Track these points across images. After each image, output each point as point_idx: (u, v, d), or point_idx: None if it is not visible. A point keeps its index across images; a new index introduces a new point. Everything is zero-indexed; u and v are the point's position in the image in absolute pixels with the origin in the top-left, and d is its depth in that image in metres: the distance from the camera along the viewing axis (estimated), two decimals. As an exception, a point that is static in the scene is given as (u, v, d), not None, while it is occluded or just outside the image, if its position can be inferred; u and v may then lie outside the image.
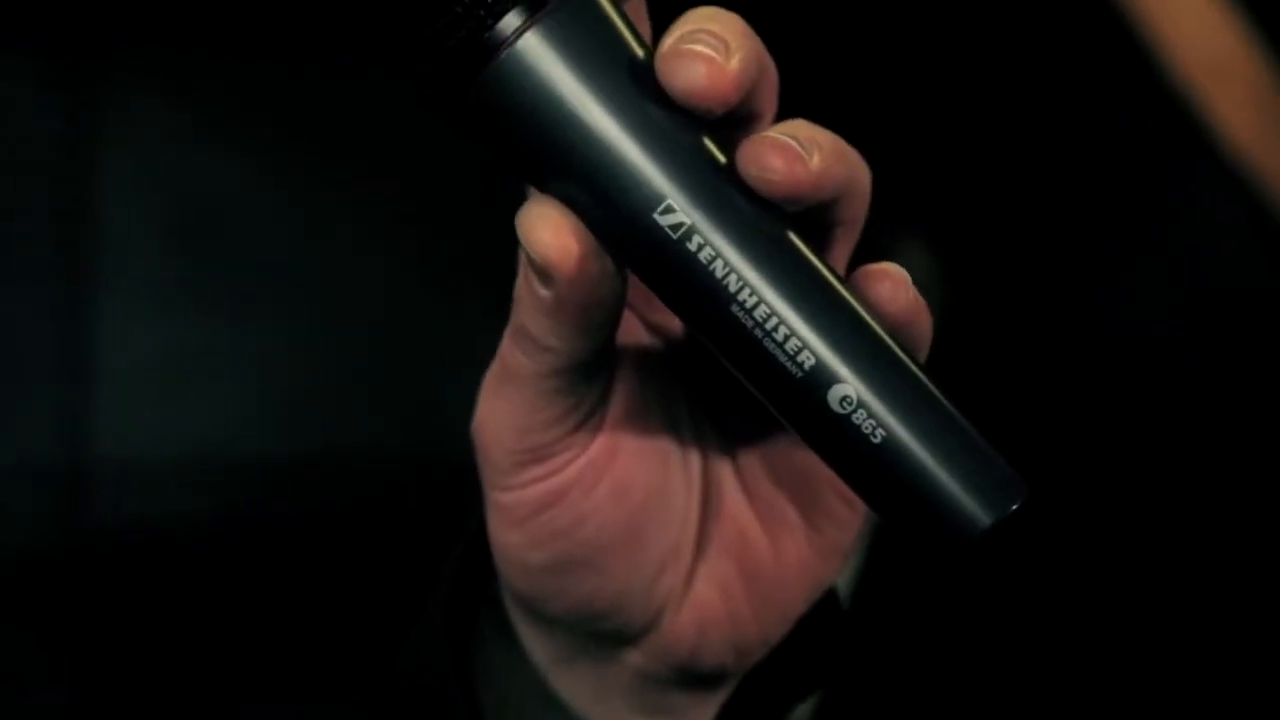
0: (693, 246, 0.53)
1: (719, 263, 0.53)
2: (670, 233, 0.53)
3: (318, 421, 5.80)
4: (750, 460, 0.62)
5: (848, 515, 0.62)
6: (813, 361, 0.53)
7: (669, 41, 0.52)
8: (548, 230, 0.53)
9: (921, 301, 0.55)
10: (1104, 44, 3.66)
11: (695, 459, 0.62)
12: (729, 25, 0.53)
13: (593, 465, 0.59)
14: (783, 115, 0.58)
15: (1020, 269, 1.57)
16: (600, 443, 0.60)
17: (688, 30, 0.53)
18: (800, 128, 0.53)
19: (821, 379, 0.53)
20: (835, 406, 0.53)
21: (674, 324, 0.61)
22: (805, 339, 0.53)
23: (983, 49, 4.63)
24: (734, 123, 0.55)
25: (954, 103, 1.63)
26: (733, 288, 0.53)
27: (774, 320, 0.53)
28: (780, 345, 0.53)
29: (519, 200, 0.55)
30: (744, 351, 0.54)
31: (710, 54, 0.52)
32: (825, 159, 0.53)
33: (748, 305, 0.53)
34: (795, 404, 0.54)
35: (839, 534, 0.62)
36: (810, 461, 0.58)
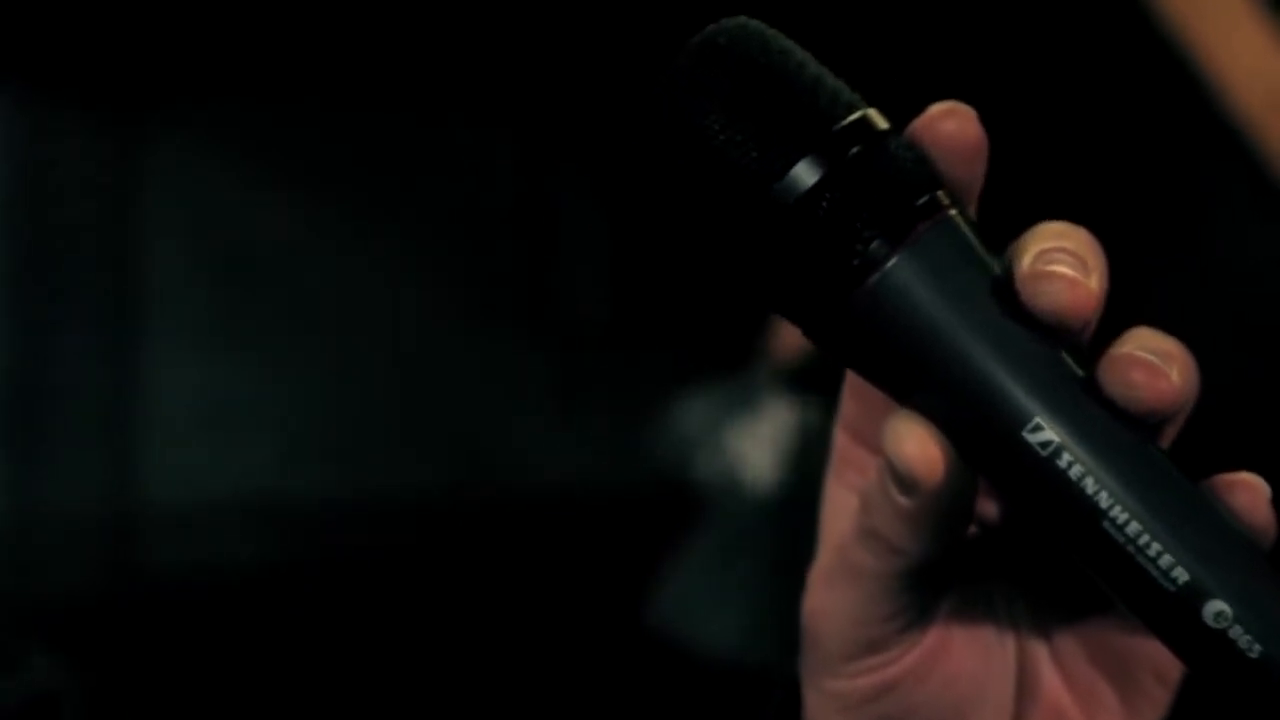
0: (1062, 464, 0.52)
1: (1089, 480, 0.52)
2: (1039, 450, 0.52)
3: (360, 463, 5.76)
4: (1066, 643, 0.61)
5: (1161, 695, 0.61)
6: (1186, 578, 0.52)
7: (1027, 260, 0.53)
8: (914, 443, 0.53)
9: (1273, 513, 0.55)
10: (1162, 75, 3.63)
11: (1011, 644, 0.62)
12: (1082, 241, 0.53)
13: (926, 657, 0.59)
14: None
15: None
16: (934, 635, 0.60)
17: (1045, 249, 0.53)
18: (1151, 339, 0.53)
19: (1195, 594, 0.52)
20: (1210, 621, 0.52)
21: (990, 512, 0.61)
22: (1178, 555, 0.52)
23: (1043, 75, 4.56)
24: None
25: (1013, 126, 1.63)
26: (1104, 504, 0.52)
27: (1146, 537, 0.52)
28: (1153, 561, 0.52)
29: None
30: (1114, 567, 0.53)
31: (1072, 274, 0.52)
32: (1183, 372, 0.53)
33: (1119, 522, 0.52)
34: (1167, 618, 0.53)
35: (1154, 713, 0.61)
36: (1126, 641, 0.59)
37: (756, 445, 3.99)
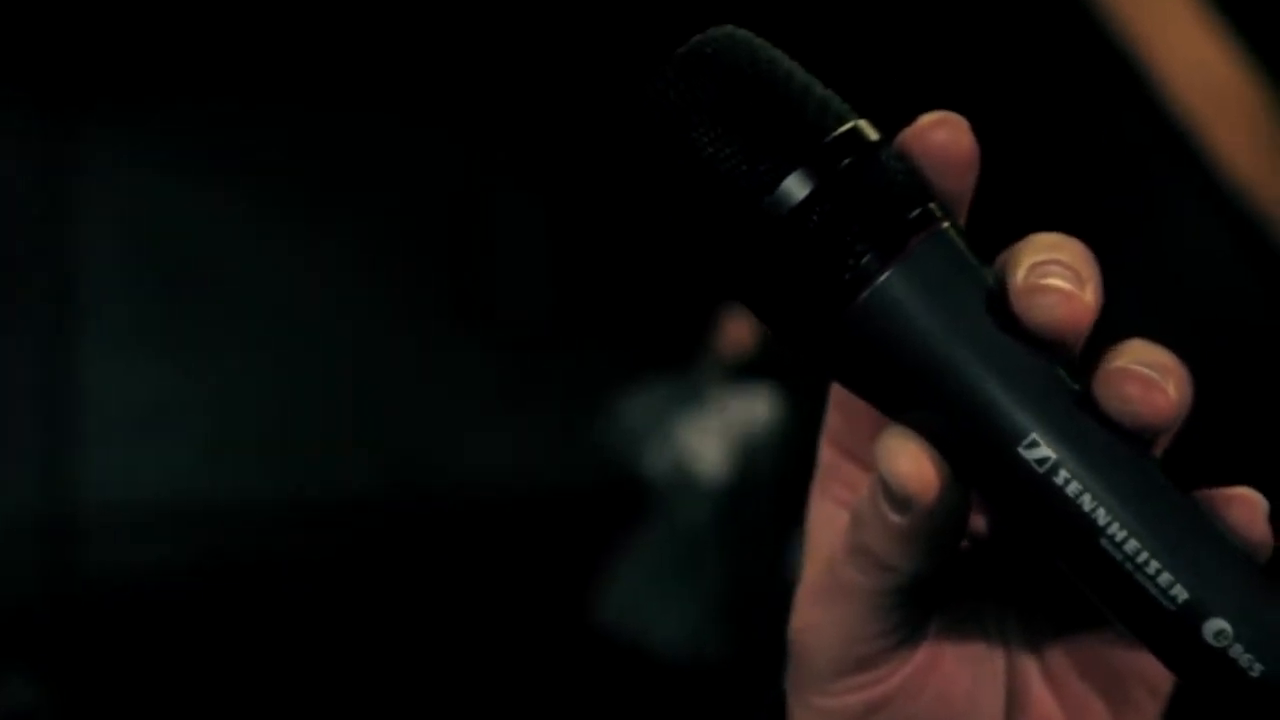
0: (1059, 480, 0.51)
1: (1086, 497, 0.51)
2: (1036, 467, 0.51)
3: (298, 465, 5.72)
4: (1057, 657, 0.60)
5: (1153, 708, 0.60)
6: (1186, 596, 0.51)
7: (1021, 274, 0.52)
8: (908, 460, 0.52)
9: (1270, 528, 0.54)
10: (1104, 70, 3.64)
11: (1001, 659, 0.61)
12: (1075, 253, 0.53)
13: (917, 674, 0.58)
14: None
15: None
16: (925, 651, 0.59)
17: (1038, 261, 0.52)
18: (1145, 351, 0.53)
19: (1195, 613, 0.51)
20: (1210, 640, 0.51)
21: (979, 526, 0.61)
22: (1177, 573, 0.51)
23: (982, 72, 4.58)
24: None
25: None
26: (1101, 521, 0.51)
27: (1144, 555, 0.51)
28: (1152, 579, 0.51)
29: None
30: (1112, 585, 0.52)
31: (1067, 287, 0.51)
32: (1179, 385, 0.52)
33: (1117, 539, 0.51)
34: (1167, 637, 0.52)
35: None
36: (1117, 655, 0.58)
37: (705, 439, 3.99)
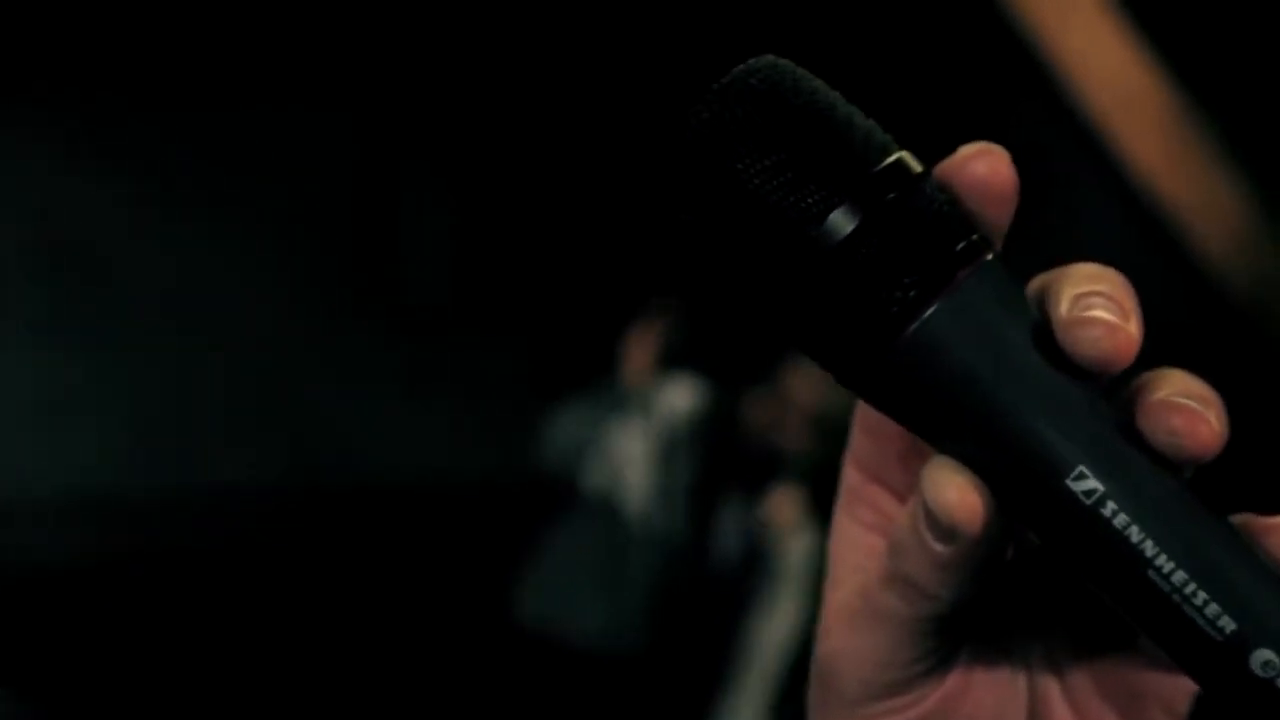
0: (1106, 512, 0.52)
1: (1134, 529, 0.51)
2: (1083, 499, 0.52)
3: (199, 456, 5.62)
4: (1078, 679, 0.60)
5: None
6: (1234, 627, 0.51)
7: (1064, 306, 0.52)
8: (954, 491, 0.53)
9: None
10: (1012, 74, 3.63)
11: (1024, 681, 0.61)
12: (1116, 284, 0.53)
13: (947, 699, 0.59)
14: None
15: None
16: (955, 676, 0.59)
17: (1081, 293, 0.53)
18: (1185, 382, 0.53)
19: (1243, 643, 0.51)
20: (1258, 670, 0.51)
21: (1007, 553, 0.61)
22: (1225, 604, 0.51)
23: (890, 74, 4.58)
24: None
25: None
26: (1149, 553, 0.51)
27: (1192, 586, 0.51)
28: (1199, 610, 0.51)
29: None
30: (1158, 615, 0.52)
31: (1112, 320, 0.52)
32: (1219, 415, 0.52)
33: (1164, 570, 0.51)
34: (1214, 667, 0.52)
35: None
36: (1136, 676, 0.58)
37: (631, 441, 3.98)
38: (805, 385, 3.63)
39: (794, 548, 3.74)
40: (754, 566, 3.73)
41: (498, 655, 4.11)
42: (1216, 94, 3.72)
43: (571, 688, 3.92)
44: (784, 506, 3.72)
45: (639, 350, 3.97)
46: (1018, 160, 0.55)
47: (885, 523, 0.59)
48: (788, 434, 3.69)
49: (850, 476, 0.60)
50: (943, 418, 0.53)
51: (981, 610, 0.58)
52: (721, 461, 3.81)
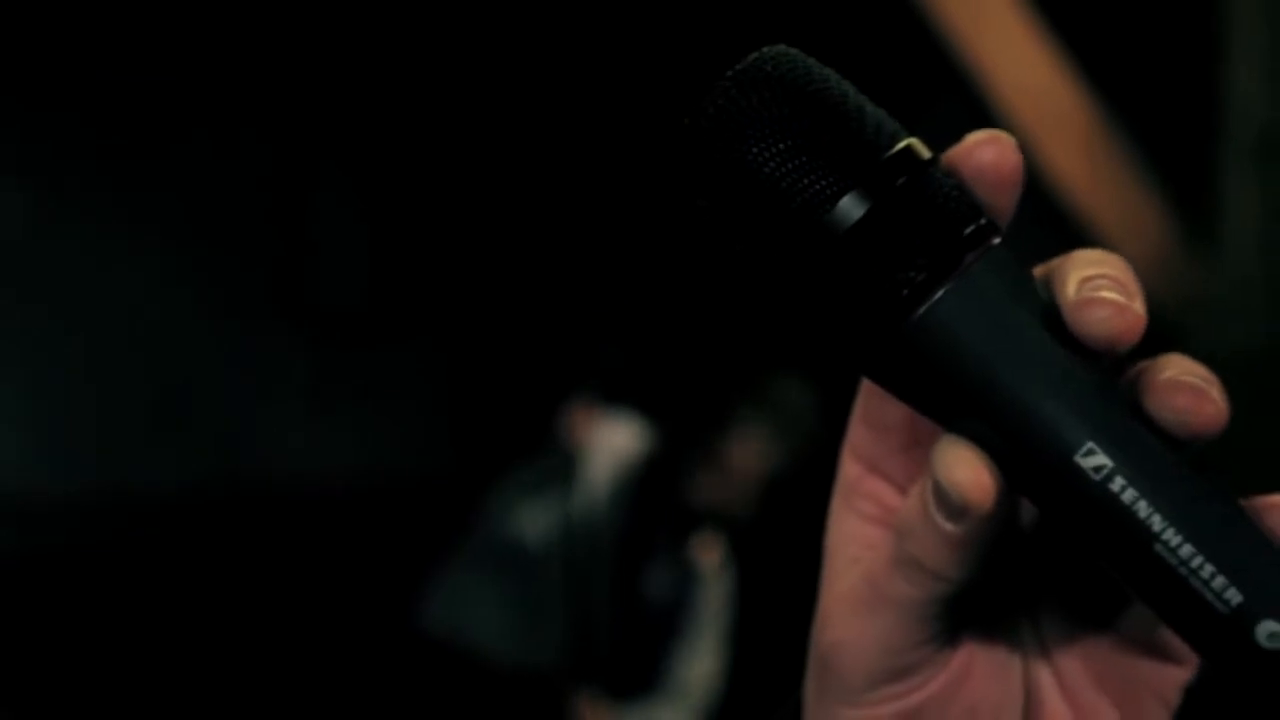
0: (1115, 488, 0.53)
1: (1142, 504, 0.52)
2: (1092, 475, 0.53)
3: (109, 459, 5.49)
4: (1073, 666, 0.62)
5: (1161, 715, 0.61)
6: (1240, 599, 0.52)
7: (1072, 289, 0.54)
8: (966, 469, 0.54)
9: None
10: (933, 88, 3.60)
11: (1020, 669, 0.62)
12: (1120, 267, 0.55)
13: (950, 683, 0.60)
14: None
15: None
16: (958, 660, 0.60)
17: (1087, 276, 0.54)
18: (1188, 364, 0.54)
19: (1249, 615, 0.52)
20: (1263, 642, 0.52)
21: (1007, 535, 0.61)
22: (1231, 577, 0.52)
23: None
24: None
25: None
26: (1156, 528, 0.52)
27: (1199, 559, 0.52)
28: (1206, 583, 0.52)
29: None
30: (1165, 589, 0.53)
31: (1119, 299, 0.53)
32: (1221, 395, 0.53)
33: (1172, 544, 0.52)
34: (1219, 640, 0.53)
35: None
36: (1129, 664, 0.60)
37: (569, 498, 3.92)
38: (748, 453, 3.63)
39: (715, 591, 3.76)
40: (678, 605, 3.73)
41: (404, 663, 4.07)
42: (1135, 108, 3.72)
43: (478, 700, 3.88)
44: (709, 550, 3.73)
45: (580, 418, 3.93)
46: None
47: (885, 514, 0.60)
48: (731, 500, 3.69)
49: (849, 469, 0.61)
50: (953, 397, 0.54)
51: (983, 595, 0.59)
52: (653, 504, 3.78)
